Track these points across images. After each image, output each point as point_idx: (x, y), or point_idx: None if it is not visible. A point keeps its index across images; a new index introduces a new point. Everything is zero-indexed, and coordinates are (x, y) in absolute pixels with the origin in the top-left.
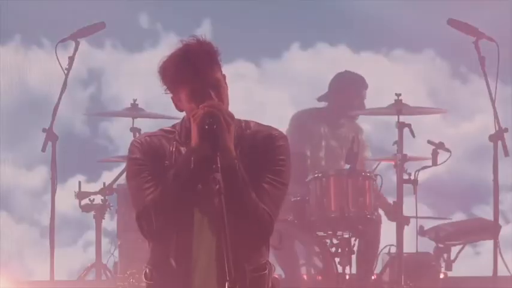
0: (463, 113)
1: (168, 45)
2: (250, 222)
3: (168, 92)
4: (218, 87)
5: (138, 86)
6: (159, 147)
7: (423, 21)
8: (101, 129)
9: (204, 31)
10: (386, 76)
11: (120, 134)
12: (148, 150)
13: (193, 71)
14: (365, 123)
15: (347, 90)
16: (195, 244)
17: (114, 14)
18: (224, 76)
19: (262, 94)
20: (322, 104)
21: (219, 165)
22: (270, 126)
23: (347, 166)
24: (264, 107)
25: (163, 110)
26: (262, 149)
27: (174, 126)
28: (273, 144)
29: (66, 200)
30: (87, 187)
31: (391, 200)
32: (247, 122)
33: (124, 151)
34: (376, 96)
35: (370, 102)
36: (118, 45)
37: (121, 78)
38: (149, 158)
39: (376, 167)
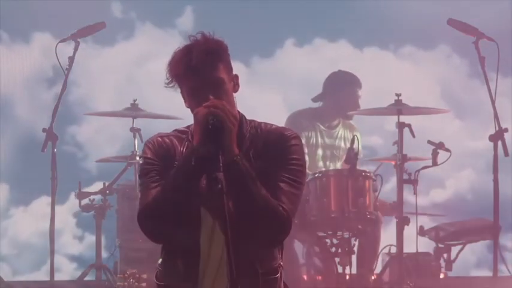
0: (484, 119)
1: (144, 37)
2: (262, 218)
3: (170, 85)
4: (218, 87)
5: (110, 83)
6: (169, 147)
7: (437, 15)
8: (68, 134)
9: (185, 22)
10: (394, 75)
11: (90, 139)
12: (160, 150)
13: (193, 69)
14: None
15: (341, 90)
16: (206, 247)
17: (82, 2)
18: (235, 76)
19: (253, 97)
20: (317, 104)
21: (221, 164)
22: (284, 127)
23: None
24: (254, 111)
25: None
26: (276, 148)
27: (188, 126)
28: (287, 143)
29: (29, 224)
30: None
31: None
32: (260, 123)
33: (96, 156)
34: (381, 96)
35: (374, 102)
36: (87, 38)
37: (91, 75)
38: (160, 158)
39: (378, 167)
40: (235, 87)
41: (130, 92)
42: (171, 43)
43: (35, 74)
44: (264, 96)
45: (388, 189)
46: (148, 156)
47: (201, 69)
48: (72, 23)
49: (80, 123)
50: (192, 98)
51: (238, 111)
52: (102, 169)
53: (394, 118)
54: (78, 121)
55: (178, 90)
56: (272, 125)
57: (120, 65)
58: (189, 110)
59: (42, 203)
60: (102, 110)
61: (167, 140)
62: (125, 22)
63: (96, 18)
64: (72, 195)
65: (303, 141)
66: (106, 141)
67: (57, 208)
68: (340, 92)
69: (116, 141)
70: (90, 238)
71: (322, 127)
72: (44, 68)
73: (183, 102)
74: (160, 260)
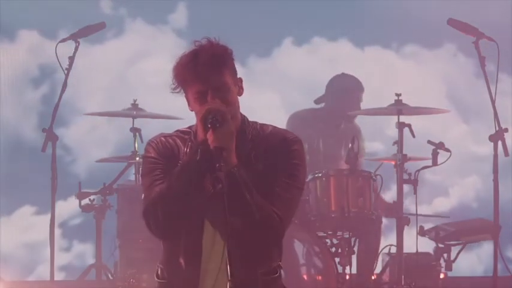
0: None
1: (135, 34)
2: (256, 224)
3: (176, 90)
4: (224, 91)
5: (99, 82)
6: (173, 147)
7: (441, 13)
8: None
9: (178, 18)
10: (397, 75)
11: (78, 141)
12: (163, 150)
13: (198, 73)
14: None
15: (344, 93)
16: (207, 247)
17: None
18: (240, 80)
19: (250, 97)
20: (320, 106)
21: (222, 164)
22: (286, 130)
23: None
24: (252, 111)
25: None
26: (277, 152)
27: (190, 127)
28: (287, 147)
29: (12, 236)
30: (36, 219)
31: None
32: (262, 125)
33: (85, 160)
34: (382, 97)
35: (376, 103)
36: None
37: (79, 74)
38: (163, 157)
39: (378, 167)
40: (240, 90)
41: (122, 91)
42: (164, 40)
43: (20, 73)
44: (261, 96)
45: (388, 189)
46: (152, 155)
47: (207, 74)
48: (61, 20)
49: (68, 126)
50: (198, 103)
51: (241, 113)
52: (93, 173)
53: (395, 120)
54: (66, 123)
55: (177, 90)
56: (274, 127)
57: (110, 63)
58: (188, 110)
59: (25, 213)
60: (93, 111)
61: (171, 140)
62: (114, 19)
63: (86, 15)
64: (57, 204)
65: (305, 141)
66: (96, 144)
67: (42, 218)
68: (343, 96)
69: (108, 143)
70: (78, 247)
71: (324, 127)
72: (29, 67)
73: (187, 105)
74: (161, 259)
